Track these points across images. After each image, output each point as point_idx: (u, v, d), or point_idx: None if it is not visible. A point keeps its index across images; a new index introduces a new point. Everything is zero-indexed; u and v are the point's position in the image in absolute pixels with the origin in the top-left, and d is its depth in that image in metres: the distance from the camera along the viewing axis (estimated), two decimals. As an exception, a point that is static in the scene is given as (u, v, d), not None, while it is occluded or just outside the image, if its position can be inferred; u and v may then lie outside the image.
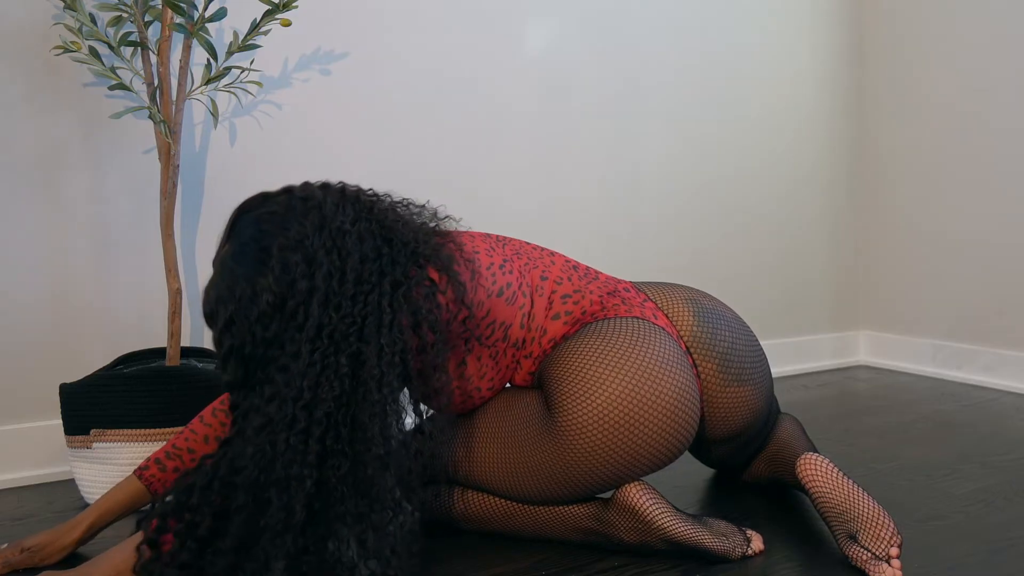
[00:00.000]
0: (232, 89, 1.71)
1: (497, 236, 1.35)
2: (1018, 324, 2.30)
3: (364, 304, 1.09)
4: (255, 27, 1.58)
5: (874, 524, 1.17)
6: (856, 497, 1.19)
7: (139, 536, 1.08)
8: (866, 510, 1.18)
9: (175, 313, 1.55)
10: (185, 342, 1.76)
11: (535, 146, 2.17)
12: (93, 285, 1.71)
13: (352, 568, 1.04)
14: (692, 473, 1.62)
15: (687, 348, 1.34)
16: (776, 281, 2.58)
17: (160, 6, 1.52)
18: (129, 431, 1.48)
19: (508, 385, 1.36)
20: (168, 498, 1.08)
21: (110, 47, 1.51)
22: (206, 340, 1.80)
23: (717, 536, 1.23)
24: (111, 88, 1.55)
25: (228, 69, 1.59)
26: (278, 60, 1.85)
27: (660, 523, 1.20)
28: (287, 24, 1.57)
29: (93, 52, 1.52)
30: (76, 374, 1.63)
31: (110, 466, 1.48)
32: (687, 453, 1.54)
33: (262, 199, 1.17)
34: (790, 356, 2.60)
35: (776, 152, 2.55)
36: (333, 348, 1.07)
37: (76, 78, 1.67)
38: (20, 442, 1.65)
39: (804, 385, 2.44)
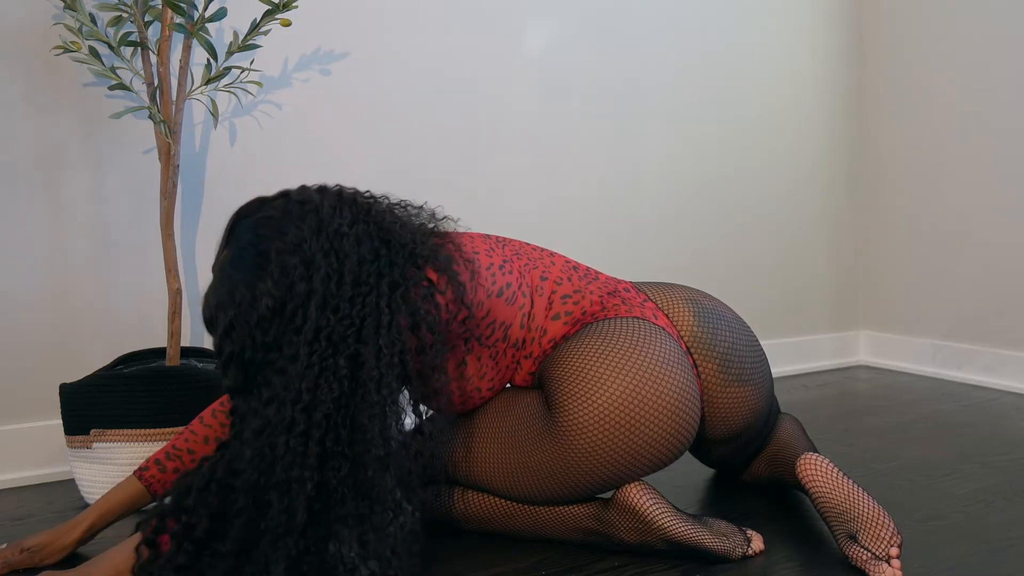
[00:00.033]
0: (232, 89, 1.71)
1: (497, 237, 1.35)
2: (1018, 324, 2.30)
3: (362, 306, 1.09)
4: (255, 27, 1.58)
5: (874, 524, 1.17)
6: (856, 497, 1.19)
7: (138, 537, 1.08)
8: (866, 510, 1.18)
9: (175, 313, 1.55)
10: (185, 342, 1.76)
11: (535, 146, 2.17)
12: (93, 285, 1.71)
13: (353, 569, 1.04)
14: (692, 473, 1.62)
15: (687, 348, 1.34)
16: (776, 281, 2.58)
17: (160, 6, 1.52)
18: (129, 431, 1.48)
19: (508, 385, 1.36)
20: (167, 499, 1.08)
21: (110, 47, 1.51)
22: (206, 340, 1.80)
23: (717, 536, 1.23)
24: (111, 88, 1.55)
25: (228, 69, 1.59)
26: (278, 60, 1.85)
27: (660, 523, 1.20)
28: (287, 24, 1.57)
29: (93, 52, 1.52)
30: (76, 374, 1.63)
31: (110, 466, 1.48)
32: (687, 453, 1.54)
33: (259, 204, 1.17)
34: (790, 356, 2.60)
35: (776, 152, 2.56)
36: (331, 350, 1.07)
37: (76, 78, 1.67)
38: (20, 442, 1.65)
39: (804, 385, 2.44)
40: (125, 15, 1.53)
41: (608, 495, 1.26)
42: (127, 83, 1.54)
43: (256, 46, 1.60)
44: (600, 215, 2.27)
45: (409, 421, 1.15)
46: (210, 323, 1.12)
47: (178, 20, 1.54)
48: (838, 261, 2.71)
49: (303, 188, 1.19)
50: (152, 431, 1.48)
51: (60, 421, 1.58)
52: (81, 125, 1.68)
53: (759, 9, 2.49)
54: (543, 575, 1.20)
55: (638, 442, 1.19)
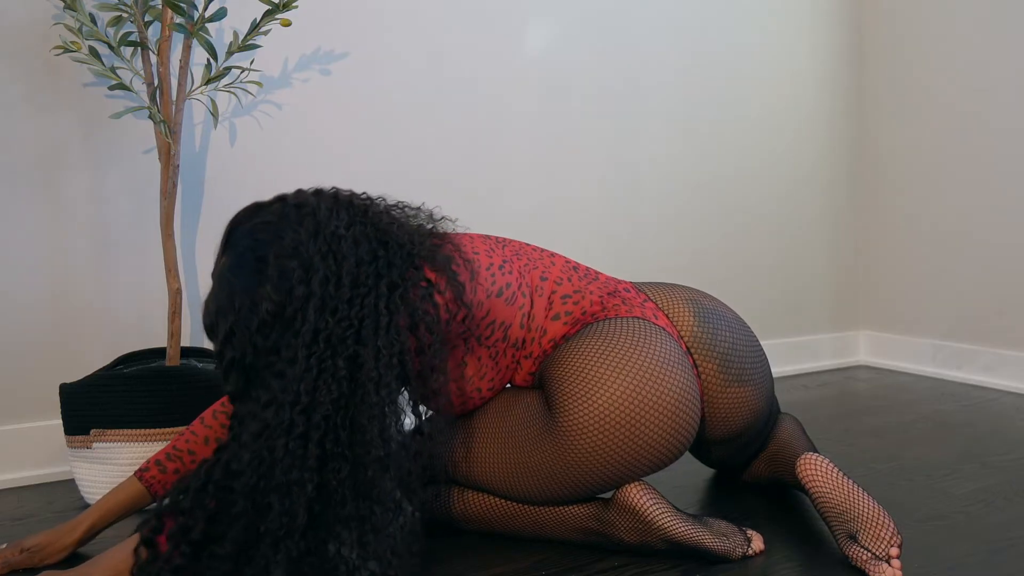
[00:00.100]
0: (232, 89, 1.71)
1: (497, 237, 1.35)
2: (1018, 324, 2.30)
3: (361, 307, 1.09)
4: (255, 27, 1.58)
5: (874, 524, 1.17)
6: (856, 497, 1.19)
7: (138, 537, 1.08)
8: (866, 510, 1.18)
9: (175, 313, 1.55)
10: (185, 342, 1.76)
11: (535, 146, 2.17)
12: (93, 285, 1.71)
13: (354, 570, 1.04)
14: (692, 473, 1.62)
15: (687, 348, 1.34)
16: (776, 281, 2.58)
17: (160, 6, 1.52)
18: (129, 431, 1.48)
19: (508, 385, 1.36)
20: (165, 500, 1.08)
21: (110, 47, 1.51)
22: (206, 340, 1.79)
23: (717, 536, 1.23)
24: (111, 88, 1.55)
25: (228, 69, 1.59)
26: (278, 60, 1.85)
27: (660, 523, 1.20)
28: (287, 24, 1.57)
29: (93, 52, 1.52)
30: (76, 374, 1.63)
31: (110, 466, 1.48)
32: (687, 453, 1.54)
33: (255, 209, 1.17)
34: (790, 356, 2.60)
35: (776, 152, 2.56)
36: (330, 352, 1.07)
37: (76, 78, 1.67)
38: (20, 442, 1.65)
39: (804, 385, 2.44)
40: (125, 15, 1.53)
41: (608, 495, 1.26)
42: (127, 83, 1.54)
43: (256, 46, 1.60)
44: (600, 215, 2.27)
45: (409, 422, 1.15)
46: (211, 330, 1.12)
47: (178, 20, 1.54)
48: (838, 261, 2.71)
49: (299, 192, 1.19)
50: (152, 431, 1.48)
51: (60, 421, 1.58)
52: (81, 125, 1.68)
53: (759, 9, 2.49)
54: (543, 575, 1.20)
55: (638, 442, 1.19)
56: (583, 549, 1.28)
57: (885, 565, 1.14)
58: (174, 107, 1.54)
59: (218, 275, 1.14)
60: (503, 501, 1.29)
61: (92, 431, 1.48)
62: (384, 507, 1.06)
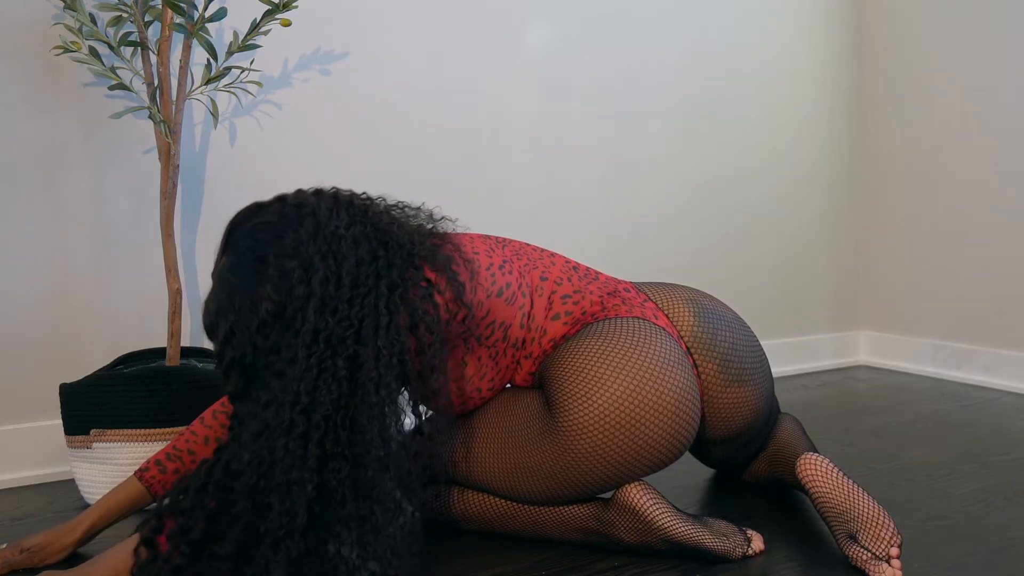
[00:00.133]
0: (232, 89, 1.71)
1: (497, 238, 1.35)
2: (1018, 324, 2.30)
3: (361, 307, 1.09)
4: (255, 27, 1.58)
5: (874, 524, 1.17)
6: (856, 497, 1.19)
7: (138, 537, 1.08)
8: (866, 510, 1.18)
9: (175, 313, 1.55)
10: (185, 342, 1.76)
11: (535, 146, 2.17)
12: (93, 285, 1.71)
13: (353, 570, 1.04)
14: (692, 473, 1.62)
15: (687, 348, 1.34)
16: (776, 281, 2.58)
17: (160, 6, 1.52)
18: (129, 431, 1.48)
19: (508, 385, 1.36)
20: (165, 500, 1.08)
21: (110, 47, 1.51)
22: (206, 340, 1.79)
23: (717, 536, 1.23)
24: (111, 88, 1.55)
25: (228, 69, 1.59)
26: (278, 60, 1.85)
27: (660, 523, 1.20)
28: (287, 24, 1.57)
29: (93, 52, 1.52)
30: (76, 374, 1.63)
31: (110, 466, 1.48)
32: (687, 453, 1.54)
33: (255, 209, 1.17)
34: (790, 356, 2.60)
35: (776, 152, 2.56)
36: (330, 352, 1.07)
37: (76, 78, 1.67)
38: (20, 442, 1.65)
39: (804, 385, 2.44)
40: (125, 15, 1.53)
41: (608, 495, 1.26)
42: (127, 83, 1.54)
43: (256, 46, 1.60)
44: (600, 215, 2.27)
45: (409, 422, 1.15)
46: (211, 330, 1.12)
47: (178, 20, 1.54)
48: (838, 261, 2.71)
49: (299, 192, 1.19)
50: (152, 431, 1.48)
51: (60, 421, 1.58)
52: (81, 125, 1.68)
53: (759, 9, 2.49)
54: (543, 575, 1.20)
55: (638, 442, 1.19)
56: (583, 549, 1.28)
57: (885, 565, 1.14)
58: (174, 107, 1.54)
59: (218, 275, 1.14)
60: (503, 501, 1.29)
61: (92, 431, 1.48)
62: (384, 507, 1.06)
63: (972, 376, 2.40)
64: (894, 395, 2.29)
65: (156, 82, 1.54)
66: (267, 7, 1.64)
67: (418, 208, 1.26)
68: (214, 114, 1.68)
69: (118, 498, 1.26)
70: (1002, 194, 2.32)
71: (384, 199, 1.24)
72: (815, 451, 1.29)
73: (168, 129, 1.52)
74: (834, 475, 1.22)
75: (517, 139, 2.15)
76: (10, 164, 1.63)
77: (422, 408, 1.18)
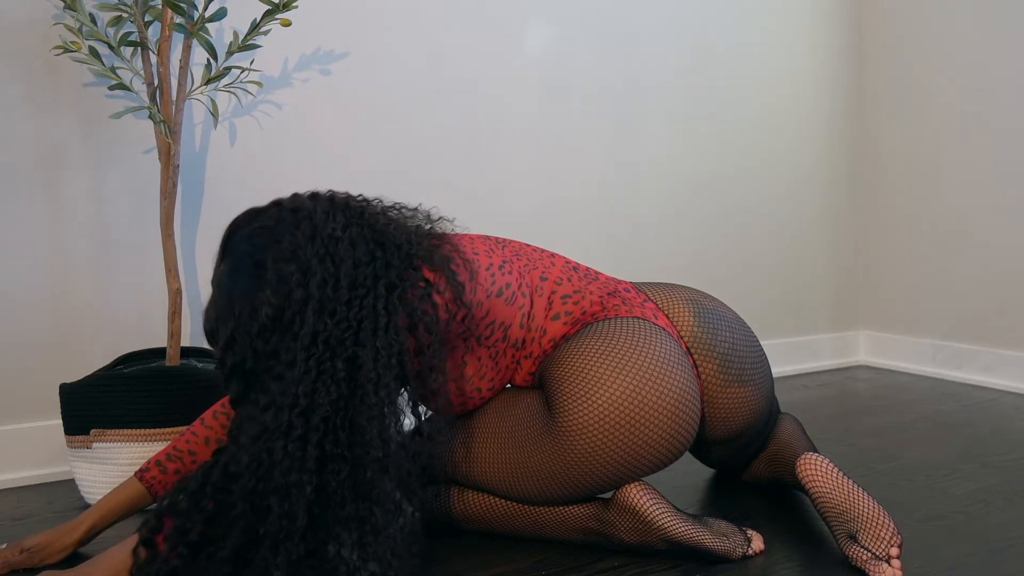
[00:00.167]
0: (232, 89, 1.71)
1: (497, 238, 1.35)
2: (1018, 324, 2.30)
3: (359, 308, 1.09)
4: (255, 27, 1.58)
5: (874, 524, 1.17)
6: (856, 497, 1.19)
7: (137, 537, 1.08)
8: (866, 510, 1.18)
9: (175, 313, 1.55)
10: (185, 342, 1.76)
11: (535, 146, 2.17)
12: (93, 285, 1.71)
13: (353, 571, 1.04)
14: (692, 473, 1.62)
15: (688, 348, 1.34)
16: (776, 281, 2.58)
17: (160, 6, 1.52)
18: (129, 431, 1.48)
19: (508, 385, 1.36)
20: (165, 501, 1.09)
21: (110, 47, 1.51)
22: (206, 340, 1.80)
23: (717, 536, 1.23)
24: (111, 88, 1.55)
25: (228, 69, 1.59)
26: (278, 60, 1.85)
27: (660, 523, 1.20)
28: (287, 24, 1.57)
29: (93, 52, 1.52)
30: (76, 374, 1.63)
31: (110, 466, 1.48)
32: (687, 453, 1.54)
33: (252, 215, 1.17)
34: (790, 356, 2.60)
35: (776, 152, 2.55)
36: (329, 353, 1.07)
37: (76, 78, 1.67)
38: (20, 442, 1.65)
39: (804, 385, 2.44)
40: (125, 15, 1.53)
41: (608, 495, 1.26)
42: (127, 83, 1.54)
43: (256, 46, 1.60)
44: (600, 215, 2.27)
45: (408, 422, 1.15)
46: (211, 336, 1.12)
47: (178, 20, 1.54)
48: (838, 261, 2.71)
49: (295, 196, 1.19)
50: (152, 431, 1.48)
51: (60, 421, 1.58)
52: (81, 125, 1.68)
53: (759, 9, 2.49)
54: (543, 575, 1.20)
55: (638, 442, 1.19)
56: (583, 549, 1.28)
57: (885, 565, 1.14)
58: (174, 107, 1.54)
59: (217, 282, 1.14)
60: (503, 501, 1.29)
61: (92, 431, 1.48)
62: (384, 508, 1.06)
63: (972, 376, 2.40)
64: (894, 395, 2.29)
65: (156, 82, 1.54)
66: (267, 7, 1.64)
67: (415, 209, 1.26)
68: (214, 114, 1.68)
69: (119, 498, 1.26)
70: (1002, 194, 2.32)
71: (381, 200, 1.24)
72: (815, 451, 1.29)
73: (168, 129, 1.52)
74: (834, 475, 1.22)
75: (517, 139, 2.15)
76: (10, 164, 1.63)
77: (421, 409, 1.18)
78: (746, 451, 1.47)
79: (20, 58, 1.63)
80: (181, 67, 1.56)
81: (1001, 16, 2.30)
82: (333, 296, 1.09)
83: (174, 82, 1.57)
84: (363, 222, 1.16)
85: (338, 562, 1.04)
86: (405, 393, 1.14)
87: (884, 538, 1.15)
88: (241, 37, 1.62)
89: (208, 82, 1.60)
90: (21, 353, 1.66)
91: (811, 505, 1.42)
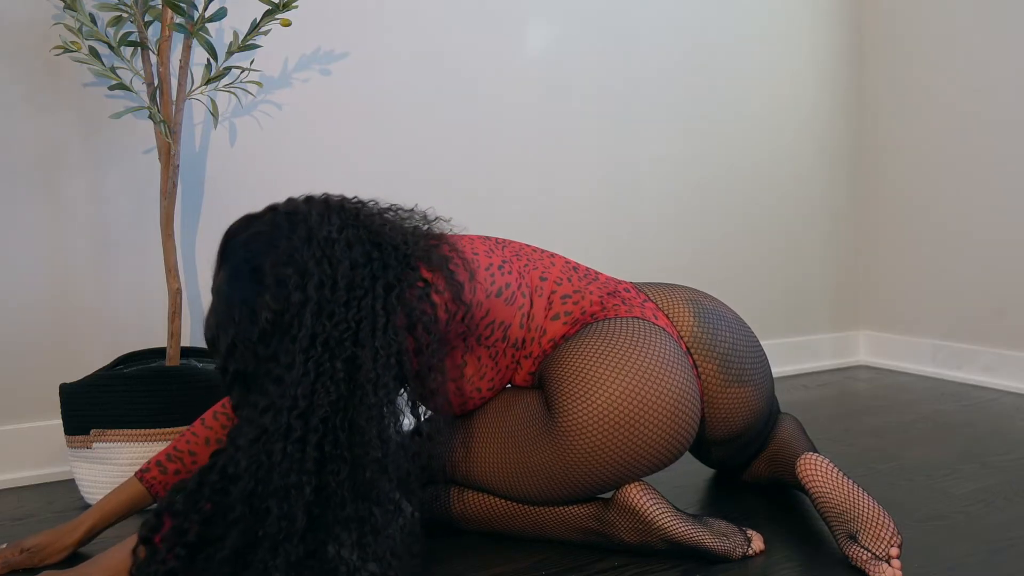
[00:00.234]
0: (232, 89, 1.71)
1: (496, 238, 1.35)
2: (1018, 324, 2.30)
3: (358, 309, 1.10)
4: (255, 27, 1.58)
5: (874, 524, 1.17)
6: (856, 497, 1.19)
7: (137, 537, 1.08)
8: (866, 510, 1.18)
9: (175, 313, 1.55)
10: (185, 342, 1.76)
11: (535, 146, 2.17)
12: (93, 285, 1.71)
13: (353, 571, 1.04)
14: (692, 473, 1.62)
15: (687, 348, 1.34)
16: (776, 281, 2.58)
17: (160, 6, 1.52)
18: (129, 431, 1.48)
19: (508, 385, 1.36)
20: (165, 501, 1.09)
21: (110, 47, 1.51)
22: (208, 348, 1.80)
23: (717, 536, 1.23)
24: (111, 88, 1.55)
25: (228, 69, 1.59)
26: (278, 60, 1.84)
27: (660, 523, 1.20)
28: (287, 24, 1.57)
29: (93, 52, 1.52)
30: (76, 374, 1.63)
31: (110, 466, 1.48)
32: (687, 453, 1.54)
33: (248, 221, 1.18)
34: (790, 356, 2.60)
35: (776, 152, 2.55)
36: (328, 355, 1.07)
37: (76, 78, 1.67)
38: (20, 442, 1.65)
39: (804, 385, 2.44)
40: (125, 15, 1.53)
41: (608, 495, 1.26)
42: (127, 83, 1.54)
43: (256, 46, 1.60)
44: (600, 215, 2.27)
45: (408, 423, 1.15)
46: (212, 344, 1.12)
47: (178, 20, 1.54)
48: (838, 261, 2.71)
49: (290, 200, 1.20)
50: (152, 431, 1.48)
51: (60, 421, 1.58)
52: (81, 125, 1.68)
53: (759, 8, 2.49)
54: (543, 575, 1.20)
55: (638, 442, 1.19)
56: (583, 549, 1.28)
57: (885, 565, 1.14)
58: (174, 107, 1.54)
59: (216, 289, 1.14)
60: (503, 501, 1.29)
61: (92, 431, 1.48)
62: (383, 508, 1.06)
63: (972, 376, 2.40)
64: (894, 395, 2.29)
65: (156, 82, 1.54)
66: (267, 7, 1.64)
67: (411, 210, 1.26)
68: (214, 114, 1.68)
69: (119, 499, 1.26)
70: (1002, 194, 2.32)
71: (376, 202, 1.24)
72: (815, 451, 1.29)
73: (168, 129, 1.52)
74: (834, 475, 1.22)
75: (517, 139, 2.15)
76: (10, 164, 1.63)
77: (421, 409, 1.18)
78: (746, 451, 1.47)
79: (20, 58, 1.63)
80: (181, 67, 1.56)
81: (1001, 16, 2.30)
82: (331, 298, 1.09)
83: (174, 82, 1.56)
84: (359, 224, 1.16)
85: (338, 562, 1.04)
86: (404, 393, 1.14)
87: (884, 538, 1.15)
88: (241, 37, 1.62)
89: (208, 82, 1.60)
90: (21, 353, 1.66)
91: (811, 505, 1.42)
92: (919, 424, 1.97)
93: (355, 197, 1.23)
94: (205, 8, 1.53)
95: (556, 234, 2.19)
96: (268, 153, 1.85)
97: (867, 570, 1.16)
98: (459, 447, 1.30)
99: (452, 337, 1.21)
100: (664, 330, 1.29)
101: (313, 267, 1.10)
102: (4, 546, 1.24)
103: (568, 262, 1.39)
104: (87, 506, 1.50)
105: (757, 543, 1.26)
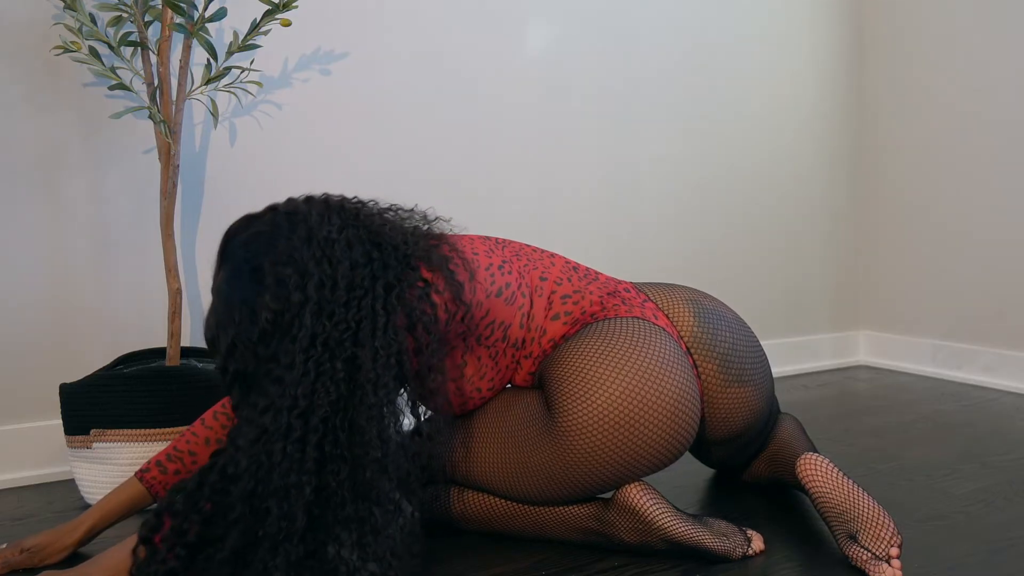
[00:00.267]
0: (232, 89, 1.71)
1: (496, 238, 1.35)
2: (1018, 324, 2.30)
3: (358, 309, 1.10)
4: (255, 27, 1.58)
5: (874, 524, 1.17)
6: (856, 497, 1.19)
7: (137, 537, 1.08)
8: (866, 510, 1.18)
9: (175, 313, 1.55)
10: (185, 342, 1.76)
11: (535, 146, 2.17)
12: (93, 285, 1.71)
13: (353, 571, 1.04)
14: (692, 473, 1.62)
15: (687, 348, 1.34)
16: (776, 281, 2.58)
17: (160, 6, 1.52)
18: (129, 431, 1.48)
19: (508, 385, 1.36)
20: (165, 501, 1.09)
21: (110, 47, 1.51)
22: (208, 348, 1.80)
23: (717, 536, 1.23)
24: (111, 88, 1.55)
25: (228, 69, 1.59)
26: (278, 60, 1.84)
27: (660, 523, 1.20)
28: (287, 24, 1.57)
29: (93, 52, 1.52)
30: (76, 374, 1.63)
31: (110, 466, 1.48)
32: (687, 453, 1.54)
33: (248, 221, 1.18)
34: (790, 356, 2.60)
35: (776, 152, 2.55)
36: (328, 355, 1.07)
37: (76, 78, 1.67)
38: (20, 442, 1.65)
39: (804, 385, 2.44)
40: (125, 15, 1.53)
41: (608, 495, 1.26)
42: (127, 83, 1.54)
43: (256, 46, 1.60)
44: (600, 215, 2.27)
45: (408, 423, 1.15)
46: (212, 344, 1.13)
47: (178, 20, 1.54)
48: (838, 261, 2.71)
49: (290, 200, 1.20)
50: (152, 431, 1.48)
51: (60, 421, 1.58)
52: (81, 125, 1.68)
53: (759, 8, 2.49)
54: (543, 575, 1.20)
55: (638, 442, 1.19)
56: (583, 549, 1.28)
57: (885, 565, 1.14)
58: (174, 107, 1.54)
59: (216, 289, 1.14)
60: (503, 501, 1.29)
61: (92, 431, 1.48)
62: (383, 508, 1.06)
63: (972, 376, 2.40)
64: (894, 395, 2.29)
65: (156, 82, 1.54)
66: (267, 7, 1.64)
67: (411, 210, 1.26)
68: (214, 114, 1.68)
69: (119, 499, 1.26)
70: (1002, 194, 2.32)
71: (376, 202, 1.24)
72: (815, 451, 1.29)
73: (168, 129, 1.52)
74: (834, 475, 1.22)
75: (517, 139, 2.15)
76: (10, 164, 1.63)
77: (421, 409, 1.18)
78: (746, 451, 1.47)
79: (20, 58, 1.63)
80: (181, 67, 1.56)
81: (1001, 16, 2.30)
82: (331, 298, 1.09)
83: (174, 82, 1.57)
84: (359, 224, 1.16)
85: (338, 562, 1.04)
86: (404, 393, 1.14)
87: (884, 538, 1.15)
88: (241, 37, 1.62)
89: (208, 82, 1.60)
90: (21, 353, 1.66)
91: (811, 505, 1.42)
92: (919, 424, 1.97)
93: (355, 197, 1.23)
94: (205, 8, 1.53)
95: (556, 234, 2.19)
96: (268, 153, 1.85)
97: (867, 570, 1.16)
98: (459, 447, 1.30)
99: (452, 337, 1.21)
100: (664, 330, 1.29)
101: (313, 267, 1.10)
102: (4, 546, 1.24)
103: (568, 262, 1.39)
104: (87, 506, 1.50)
105: (757, 543, 1.26)
